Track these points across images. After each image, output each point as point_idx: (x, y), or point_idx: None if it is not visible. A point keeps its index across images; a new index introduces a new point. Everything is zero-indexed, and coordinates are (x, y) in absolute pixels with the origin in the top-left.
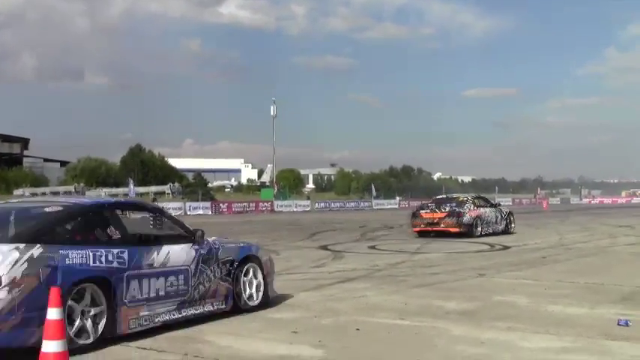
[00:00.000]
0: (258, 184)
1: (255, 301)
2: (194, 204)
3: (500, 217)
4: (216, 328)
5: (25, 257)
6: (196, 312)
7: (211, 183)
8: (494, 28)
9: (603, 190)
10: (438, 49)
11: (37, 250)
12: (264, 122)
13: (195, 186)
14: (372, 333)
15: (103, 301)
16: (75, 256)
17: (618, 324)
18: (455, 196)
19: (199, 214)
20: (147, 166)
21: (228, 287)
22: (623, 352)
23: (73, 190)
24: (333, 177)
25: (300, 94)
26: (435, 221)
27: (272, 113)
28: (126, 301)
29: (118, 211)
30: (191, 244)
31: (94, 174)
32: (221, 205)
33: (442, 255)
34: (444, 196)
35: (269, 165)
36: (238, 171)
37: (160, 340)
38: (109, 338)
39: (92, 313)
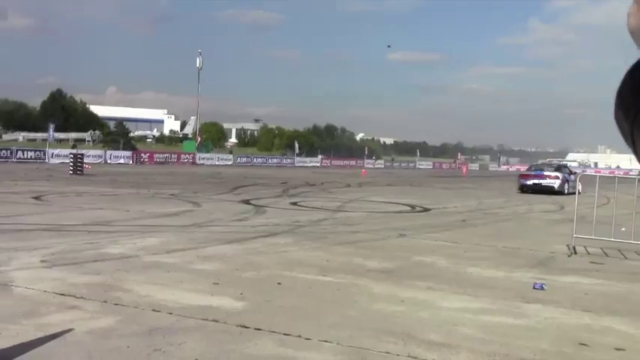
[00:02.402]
0: (181, 135)
1: None
2: (115, 152)
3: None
4: (135, 277)
5: None
6: None
7: (133, 132)
8: None
9: (521, 159)
10: (367, 10)
11: None
12: (190, 74)
13: (117, 135)
14: (294, 288)
15: None
16: None
17: (534, 287)
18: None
19: (120, 164)
20: (68, 112)
21: None
22: (537, 315)
23: None
24: (256, 132)
25: (227, 48)
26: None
27: (197, 65)
28: None
29: None
30: None
31: (12, 117)
32: (142, 155)
33: (363, 214)
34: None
35: (192, 117)
36: (161, 122)
37: (79, 286)
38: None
39: None
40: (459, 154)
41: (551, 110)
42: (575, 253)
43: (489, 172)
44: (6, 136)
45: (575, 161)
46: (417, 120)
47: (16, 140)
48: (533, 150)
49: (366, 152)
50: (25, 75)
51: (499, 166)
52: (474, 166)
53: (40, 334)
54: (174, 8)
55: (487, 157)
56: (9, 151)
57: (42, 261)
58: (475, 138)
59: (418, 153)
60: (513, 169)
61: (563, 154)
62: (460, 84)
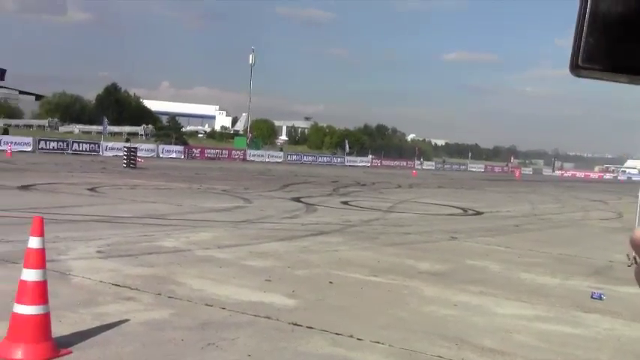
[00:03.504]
0: (232, 132)
1: None
2: (167, 147)
3: None
4: (188, 270)
5: None
6: None
7: (185, 127)
8: None
9: (576, 164)
10: (421, 9)
11: None
12: (242, 70)
13: (169, 129)
14: (345, 287)
15: None
16: None
17: (592, 297)
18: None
19: (172, 158)
20: (122, 106)
21: None
22: (596, 325)
23: (47, 124)
24: (306, 130)
25: (279, 45)
26: None
27: (250, 62)
28: None
29: None
30: None
31: (69, 110)
32: (194, 150)
33: (414, 216)
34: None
35: (244, 114)
36: (212, 117)
37: (134, 278)
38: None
39: None
40: (512, 157)
41: (610, 115)
42: (636, 262)
43: (543, 177)
44: (62, 128)
45: (635, 168)
46: (470, 122)
47: (72, 132)
48: (589, 155)
49: (417, 153)
50: (81, 69)
51: (553, 170)
52: (527, 170)
53: (97, 323)
54: (228, 4)
55: (541, 162)
56: (65, 143)
57: (98, 251)
58: (529, 141)
59: (470, 155)
60: (568, 174)
61: (622, 161)
62: (515, 86)
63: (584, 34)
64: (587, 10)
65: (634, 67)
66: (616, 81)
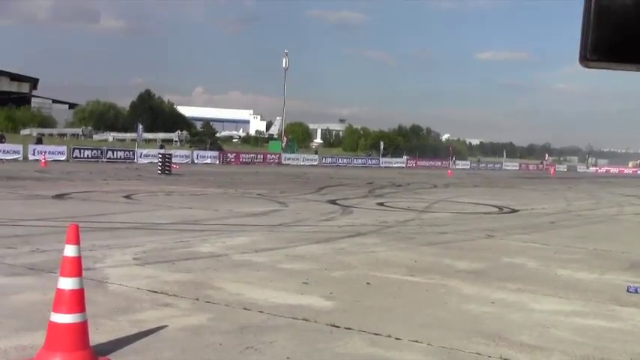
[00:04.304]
0: (267, 136)
1: None
2: (202, 153)
3: None
4: (225, 275)
5: None
6: None
7: (219, 133)
8: None
9: (610, 160)
10: (454, 9)
11: None
12: (276, 74)
13: (204, 135)
14: (383, 288)
15: None
16: None
17: (628, 291)
18: None
19: (207, 163)
20: (156, 113)
21: None
22: (633, 318)
23: (81, 132)
24: (341, 133)
25: (312, 48)
26: None
27: (284, 65)
28: None
29: None
30: None
31: (102, 118)
32: (229, 155)
33: (450, 215)
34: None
35: (278, 117)
36: (247, 122)
37: (171, 284)
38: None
39: None
40: (547, 155)
41: None
42: None
43: (577, 174)
44: (97, 136)
45: None
46: (504, 120)
47: (106, 140)
48: (623, 151)
49: (451, 153)
50: (115, 76)
51: (587, 167)
52: (562, 168)
53: (135, 330)
54: (260, 8)
55: (575, 159)
56: (99, 151)
57: (134, 258)
58: (563, 139)
59: (505, 154)
60: (602, 170)
61: None
62: (549, 83)
63: (590, 27)
64: (593, 3)
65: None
66: (625, 70)
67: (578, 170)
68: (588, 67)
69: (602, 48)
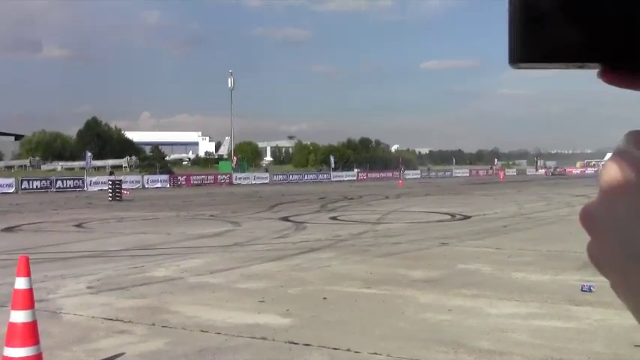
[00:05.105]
0: (216, 156)
1: None
2: (152, 177)
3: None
4: (181, 298)
5: None
6: None
7: (169, 156)
8: None
9: (558, 161)
10: (396, 20)
11: None
12: (222, 95)
13: (153, 159)
14: (339, 302)
15: None
16: None
17: (582, 290)
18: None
19: (158, 188)
20: (103, 140)
21: None
22: (588, 317)
23: (29, 164)
24: (291, 149)
25: (259, 66)
26: None
27: (229, 85)
28: None
29: None
30: None
31: (50, 147)
32: (179, 178)
33: (403, 225)
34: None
35: (227, 138)
36: (196, 144)
37: (126, 310)
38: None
39: None
40: (496, 159)
41: (587, 110)
42: None
43: (527, 177)
44: (44, 167)
45: None
46: (452, 128)
47: (54, 170)
48: (570, 152)
49: (400, 163)
50: (60, 104)
51: (536, 169)
52: (512, 172)
53: None
54: (205, 30)
55: (524, 162)
56: (48, 182)
57: (88, 287)
58: (510, 142)
59: (454, 161)
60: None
61: (602, 155)
62: (494, 89)
63: (517, 29)
64: (517, 5)
65: (566, 54)
66: (555, 68)
67: (527, 173)
68: (519, 69)
69: (531, 49)
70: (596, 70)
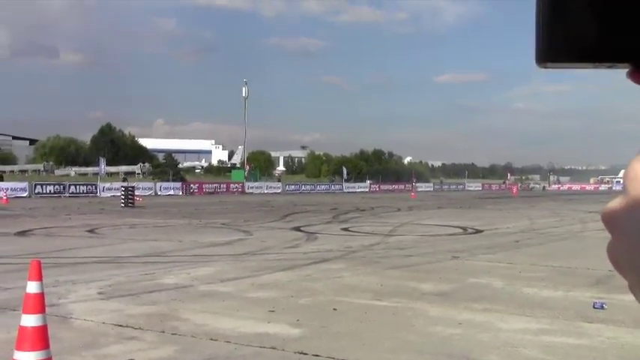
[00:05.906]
0: (229, 165)
1: None
2: (165, 184)
3: None
4: (191, 306)
5: None
6: None
7: (182, 164)
8: (467, 13)
9: (572, 177)
10: (411, 33)
11: None
12: (236, 103)
13: (166, 166)
14: (350, 313)
15: None
16: None
17: (594, 307)
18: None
19: (170, 195)
20: (117, 146)
21: None
22: (600, 334)
23: (42, 168)
24: (303, 159)
25: (272, 76)
26: None
27: (244, 94)
28: None
29: None
30: None
31: (64, 152)
32: (192, 185)
33: (415, 237)
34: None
35: (240, 146)
36: (209, 152)
37: (136, 317)
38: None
39: None
40: (509, 174)
41: (602, 126)
42: None
43: (540, 192)
44: (58, 172)
45: None
46: (465, 141)
47: (68, 175)
48: (584, 168)
49: (413, 176)
50: (75, 110)
51: (549, 185)
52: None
53: None
54: (219, 38)
55: (537, 177)
56: (62, 186)
57: (99, 293)
58: (524, 157)
59: (467, 174)
60: (565, 187)
61: (616, 171)
62: (508, 103)
63: (545, 28)
64: (545, 4)
65: (596, 54)
66: (581, 68)
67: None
68: (546, 68)
69: (559, 48)
70: (625, 71)
